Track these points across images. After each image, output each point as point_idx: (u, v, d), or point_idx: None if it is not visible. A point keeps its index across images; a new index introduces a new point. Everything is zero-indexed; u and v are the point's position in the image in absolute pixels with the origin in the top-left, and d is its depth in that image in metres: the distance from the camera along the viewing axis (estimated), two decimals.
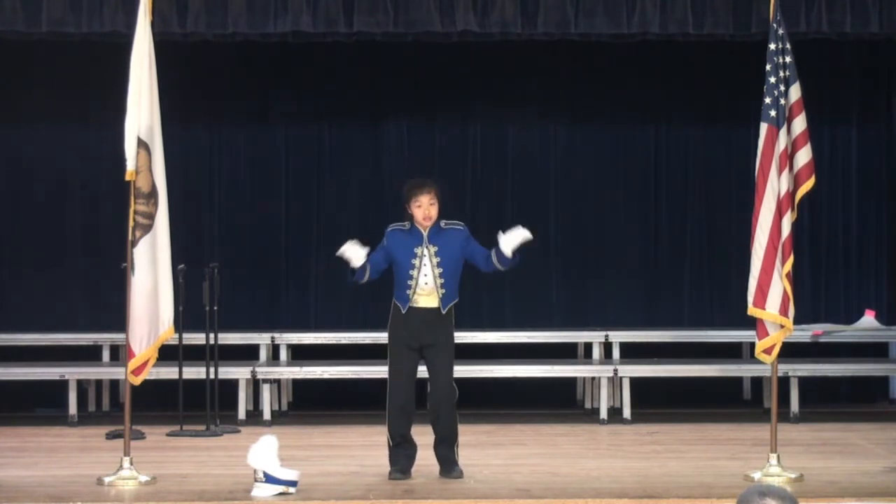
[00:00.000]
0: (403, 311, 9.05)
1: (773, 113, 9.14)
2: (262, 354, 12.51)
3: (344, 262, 9.14)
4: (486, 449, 10.39)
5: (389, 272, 9.21)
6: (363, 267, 9.09)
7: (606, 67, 12.96)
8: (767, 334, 9.17)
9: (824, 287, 13.29)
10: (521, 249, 9.07)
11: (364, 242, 9.15)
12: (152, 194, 9.00)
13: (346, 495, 8.56)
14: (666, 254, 13.32)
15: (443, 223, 9.12)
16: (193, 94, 12.85)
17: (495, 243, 9.06)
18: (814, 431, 11.45)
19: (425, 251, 9.03)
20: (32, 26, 10.99)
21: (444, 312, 9.03)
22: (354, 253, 9.07)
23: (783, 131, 9.15)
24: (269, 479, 8.53)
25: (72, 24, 10.97)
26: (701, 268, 13.32)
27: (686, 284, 13.31)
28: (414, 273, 9.01)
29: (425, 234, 9.06)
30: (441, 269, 9.03)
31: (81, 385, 12.21)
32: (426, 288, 9.01)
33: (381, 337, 12.32)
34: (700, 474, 9.32)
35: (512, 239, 9.01)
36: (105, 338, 12.40)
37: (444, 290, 9.02)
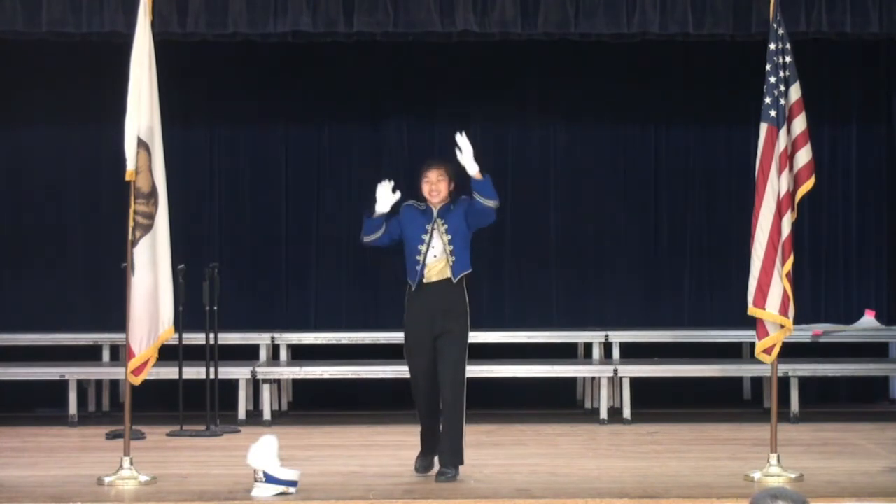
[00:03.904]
0: (414, 289, 9.03)
1: (773, 113, 9.14)
2: (262, 354, 12.51)
3: (371, 207, 9.11)
4: (486, 449, 10.39)
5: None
6: (380, 220, 9.08)
7: (606, 67, 12.96)
8: (767, 334, 9.17)
9: (824, 287, 13.28)
10: (484, 167, 9.04)
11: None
12: (152, 194, 9.00)
13: (346, 495, 8.56)
14: (666, 254, 13.31)
15: (452, 205, 9.15)
16: (193, 94, 12.85)
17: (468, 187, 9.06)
18: (814, 431, 11.44)
19: (435, 226, 9.06)
20: (32, 26, 10.98)
21: (455, 281, 9.01)
22: (384, 193, 9.06)
23: (783, 131, 9.15)
24: (269, 479, 8.53)
25: (72, 24, 10.96)
26: (701, 268, 13.31)
27: (686, 284, 13.31)
28: (423, 248, 9.03)
29: (436, 211, 9.11)
30: (450, 237, 9.03)
31: (81, 385, 12.21)
32: (436, 260, 9.02)
33: (381, 337, 12.42)
34: (700, 474, 9.31)
35: (465, 156, 8.99)
36: (105, 338, 12.39)
37: (454, 258, 9.02)
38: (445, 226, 9.07)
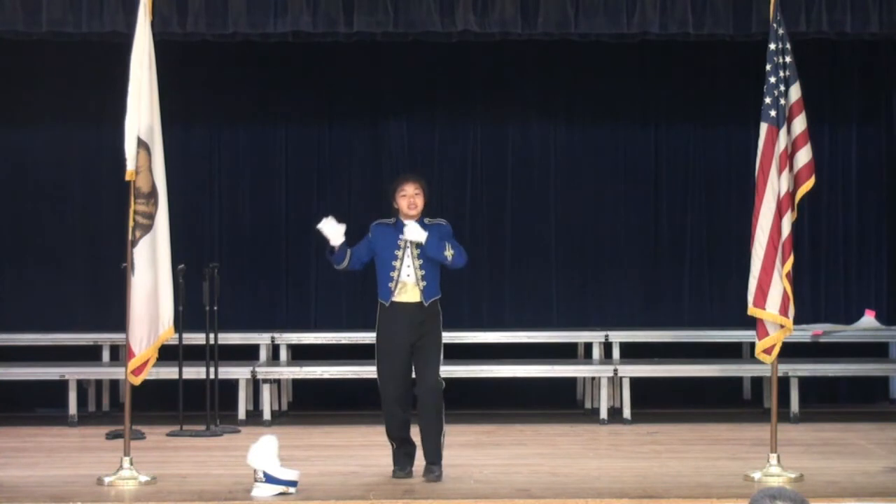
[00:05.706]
0: (387, 306, 9.02)
1: (773, 113, 9.14)
2: (262, 354, 12.51)
3: (324, 240, 9.12)
4: (486, 449, 10.39)
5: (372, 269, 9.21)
6: (343, 251, 9.08)
7: (606, 67, 12.96)
8: (767, 334, 9.17)
9: (824, 287, 13.29)
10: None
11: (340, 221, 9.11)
12: (152, 194, 9.00)
13: (346, 495, 8.56)
14: (666, 254, 13.32)
15: (426, 220, 9.13)
16: (193, 94, 12.86)
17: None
18: (814, 431, 11.45)
19: (408, 244, 9.04)
20: (32, 26, 10.98)
21: (426, 305, 9.01)
22: (331, 230, 9.04)
23: (783, 131, 9.15)
24: (269, 479, 8.53)
25: (72, 24, 10.97)
26: (701, 268, 13.31)
27: (686, 284, 13.31)
28: (397, 264, 9.02)
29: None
30: (421, 262, 9.03)
31: (81, 385, 12.22)
32: (408, 281, 9.01)
33: None
34: (700, 474, 9.31)
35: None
36: (105, 338, 12.40)
37: (424, 283, 9.01)
38: (419, 249, 9.05)
